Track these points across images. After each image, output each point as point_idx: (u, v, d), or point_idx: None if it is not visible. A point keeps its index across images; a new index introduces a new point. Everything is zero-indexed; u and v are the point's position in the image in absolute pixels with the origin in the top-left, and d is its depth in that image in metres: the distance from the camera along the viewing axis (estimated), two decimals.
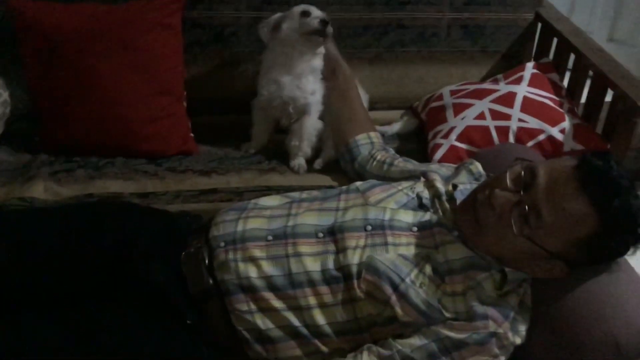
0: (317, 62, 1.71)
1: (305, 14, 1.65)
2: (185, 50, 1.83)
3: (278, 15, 1.69)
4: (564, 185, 1.08)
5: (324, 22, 1.62)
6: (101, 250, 1.21)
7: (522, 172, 1.12)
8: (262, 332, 1.15)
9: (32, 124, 1.81)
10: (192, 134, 1.83)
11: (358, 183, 1.37)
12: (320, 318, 1.15)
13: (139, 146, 1.75)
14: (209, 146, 1.84)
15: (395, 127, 1.92)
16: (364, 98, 1.88)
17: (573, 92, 1.80)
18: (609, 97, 1.67)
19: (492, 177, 1.20)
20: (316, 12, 1.65)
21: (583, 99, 1.84)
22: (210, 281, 1.19)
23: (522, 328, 1.14)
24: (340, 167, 1.67)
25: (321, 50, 1.70)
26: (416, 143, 1.87)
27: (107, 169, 1.71)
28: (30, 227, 1.25)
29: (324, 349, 1.16)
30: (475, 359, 1.11)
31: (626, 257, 1.14)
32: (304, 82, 1.70)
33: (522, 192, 1.10)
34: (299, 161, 1.76)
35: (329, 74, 1.71)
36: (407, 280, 1.14)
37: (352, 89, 1.68)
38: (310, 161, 1.77)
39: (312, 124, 1.75)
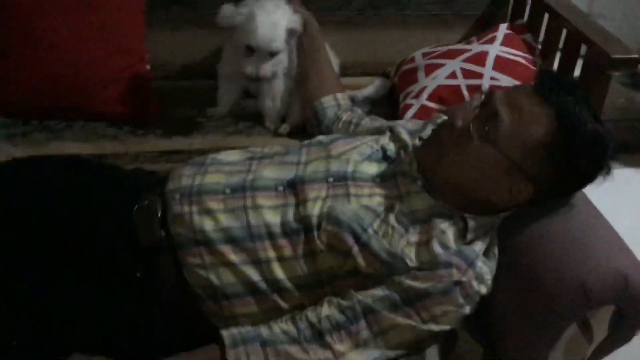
0: None
1: (250, 49, 1.50)
2: (148, 12, 1.76)
3: (239, 18, 1.51)
4: (521, 92, 1.11)
5: (252, 79, 1.52)
6: (47, 207, 1.15)
7: (482, 95, 1.12)
8: (216, 288, 1.09)
9: None
10: (155, 98, 1.77)
11: (321, 137, 1.32)
12: (279, 272, 1.10)
13: (98, 108, 1.68)
14: (172, 110, 1.78)
15: (366, 91, 1.86)
16: (335, 62, 1.82)
17: (547, 51, 1.76)
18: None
19: (454, 107, 1.17)
20: (261, 52, 1.49)
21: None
22: (163, 234, 1.13)
23: (488, 277, 1.10)
24: (307, 131, 1.62)
25: None
26: (388, 106, 1.82)
27: (65, 132, 1.65)
28: None
29: (283, 305, 1.11)
30: (440, 309, 1.06)
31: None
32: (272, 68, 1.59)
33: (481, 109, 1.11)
34: (274, 122, 1.71)
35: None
36: (370, 230, 1.09)
37: (320, 49, 1.61)
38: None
39: (282, 87, 1.68)
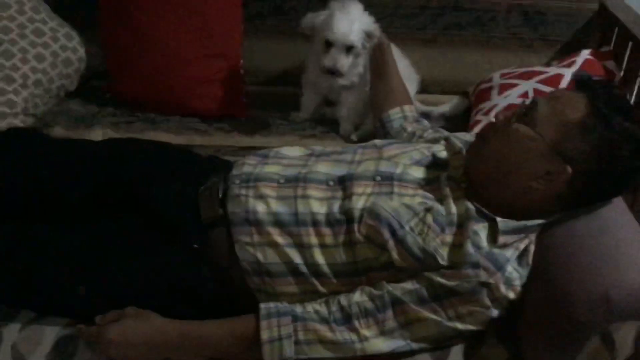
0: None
1: (328, 44, 1.62)
2: (247, 21, 1.95)
3: (320, 18, 1.65)
4: (560, 89, 1.23)
5: (330, 72, 1.63)
6: (126, 177, 1.31)
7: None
8: (261, 264, 1.19)
9: (105, 82, 1.99)
10: (244, 100, 1.93)
11: (377, 140, 1.40)
12: (320, 258, 1.18)
13: (192, 103, 1.88)
14: (259, 112, 1.94)
15: (442, 108, 1.92)
16: (414, 79, 1.91)
17: (628, 79, 1.73)
18: None
19: None
20: (338, 45, 1.60)
21: None
22: (221, 211, 1.25)
23: (517, 283, 1.12)
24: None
25: None
26: (461, 124, 1.86)
27: (162, 124, 1.86)
28: (77, 152, 1.38)
29: (321, 289, 1.19)
30: (466, 308, 1.11)
31: None
32: (353, 64, 1.71)
33: None
34: (348, 128, 1.84)
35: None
36: (407, 227, 1.15)
37: (389, 63, 1.68)
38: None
39: (359, 97, 1.79)
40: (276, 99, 1.99)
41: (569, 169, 1.12)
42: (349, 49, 1.61)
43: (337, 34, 1.59)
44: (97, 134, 1.76)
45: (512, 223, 1.15)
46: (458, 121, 1.89)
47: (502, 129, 1.19)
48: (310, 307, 1.15)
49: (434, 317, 1.11)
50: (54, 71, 1.86)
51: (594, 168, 1.13)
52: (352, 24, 1.60)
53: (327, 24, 1.61)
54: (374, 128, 1.71)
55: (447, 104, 1.95)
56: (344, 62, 1.62)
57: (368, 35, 1.62)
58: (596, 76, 1.69)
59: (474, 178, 1.21)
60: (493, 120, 1.36)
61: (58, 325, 1.19)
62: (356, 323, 1.12)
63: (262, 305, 1.15)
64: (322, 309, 1.14)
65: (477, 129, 1.67)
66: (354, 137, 1.80)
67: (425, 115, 1.87)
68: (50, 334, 1.17)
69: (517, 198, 1.18)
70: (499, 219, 1.15)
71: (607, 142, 1.11)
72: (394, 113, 1.62)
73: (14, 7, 1.82)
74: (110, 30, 1.89)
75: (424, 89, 1.98)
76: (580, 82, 1.20)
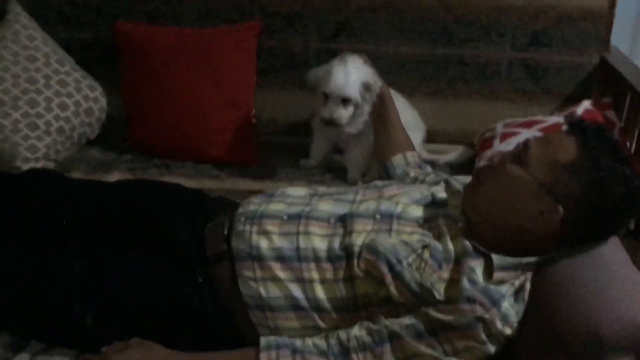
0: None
1: (326, 97, 1.72)
2: (260, 74, 2.04)
3: (320, 72, 1.75)
4: (552, 133, 1.27)
5: (327, 122, 1.73)
6: (137, 210, 1.38)
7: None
8: (263, 299, 1.23)
9: (124, 131, 2.08)
10: (256, 148, 2.01)
11: (378, 181, 1.45)
12: (320, 292, 1.21)
13: (207, 151, 1.96)
14: (270, 159, 2.01)
15: (447, 157, 1.97)
16: (421, 129, 1.97)
17: (628, 128, 1.78)
18: None
19: None
20: (334, 98, 1.69)
21: None
22: (225, 247, 1.30)
23: (513, 319, 1.14)
24: None
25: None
26: (466, 173, 1.89)
27: (177, 170, 1.94)
28: (92, 189, 1.47)
29: (321, 324, 1.21)
30: (462, 344, 1.12)
31: None
32: (356, 114, 1.78)
33: None
34: (356, 175, 1.90)
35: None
36: (404, 262, 1.18)
37: (389, 111, 1.73)
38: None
39: (366, 145, 1.85)
40: (287, 148, 2.06)
41: (561, 209, 1.15)
42: (345, 100, 1.69)
43: (332, 87, 1.69)
44: (112, 177, 1.83)
45: (508, 260, 1.18)
46: (463, 170, 1.93)
47: (496, 170, 1.23)
48: (310, 341, 1.18)
49: (430, 351, 1.13)
50: (76, 120, 1.97)
51: (585, 208, 1.15)
52: (348, 77, 1.69)
53: (325, 77, 1.71)
54: (379, 175, 1.77)
55: (453, 153, 2.00)
56: (340, 113, 1.70)
57: (366, 86, 1.70)
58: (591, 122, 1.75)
59: (470, 217, 1.25)
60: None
61: (66, 357, 1.23)
62: (354, 357, 1.14)
63: (263, 338, 1.18)
64: (321, 343, 1.17)
65: None
66: (362, 182, 1.84)
67: (431, 164, 1.91)
68: None
69: (511, 236, 1.21)
70: (494, 256, 1.17)
71: (596, 182, 1.14)
72: (397, 159, 1.65)
73: (41, 59, 1.95)
74: (130, 82, 2.00)
75: (430, 139, 2.04)
76: (572, 125, 1.24)
